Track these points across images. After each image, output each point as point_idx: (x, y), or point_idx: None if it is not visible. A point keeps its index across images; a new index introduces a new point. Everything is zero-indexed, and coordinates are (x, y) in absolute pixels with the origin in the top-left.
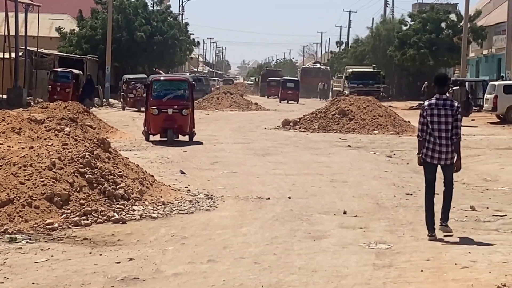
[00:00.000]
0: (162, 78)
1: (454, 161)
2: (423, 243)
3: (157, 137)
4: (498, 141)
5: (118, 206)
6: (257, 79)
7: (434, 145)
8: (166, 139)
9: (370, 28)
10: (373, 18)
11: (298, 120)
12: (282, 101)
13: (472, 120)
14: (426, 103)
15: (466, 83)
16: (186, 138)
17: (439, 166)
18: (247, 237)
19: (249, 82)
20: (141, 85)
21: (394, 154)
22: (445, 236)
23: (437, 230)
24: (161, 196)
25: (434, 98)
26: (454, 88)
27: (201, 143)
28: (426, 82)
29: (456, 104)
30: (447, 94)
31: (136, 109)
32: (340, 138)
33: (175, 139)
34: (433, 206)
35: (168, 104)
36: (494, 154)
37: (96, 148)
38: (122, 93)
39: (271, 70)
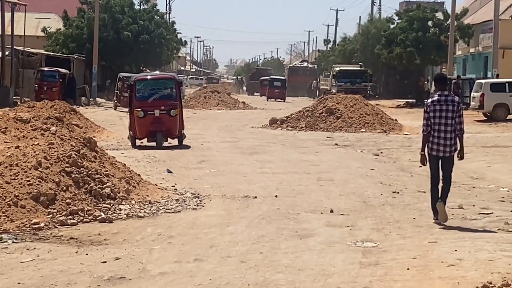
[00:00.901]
0: (146, 77)
1: (454, 154)
2: (410, 241)
3: (144, 142)
4: (485, 139)
5: (104, 205)
6: (238, 77)
7: (435, 138)
8: (154, 143)
9: (359, 25)
10: (360, 17)
11: (286, 118)
12: (269, 99)
13: None
14: (429, 100)
15: (453, 81)
16: (175, 141)
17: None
18: (234, 236)
19: (227, 81)
20: None
21: (381, 153)
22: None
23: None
24: (147, 195)
25: (437, 95)
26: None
27: (189, 147)
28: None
29: (457, 100)
30: (432, 90)
31: (127, 109)
32: (327, 137)
33: (164, 143)
34: (437, 192)
35: (155, 105)
36: (481, 152)
37: (82, 147)
38: (116, 91)
39: (261, 69)
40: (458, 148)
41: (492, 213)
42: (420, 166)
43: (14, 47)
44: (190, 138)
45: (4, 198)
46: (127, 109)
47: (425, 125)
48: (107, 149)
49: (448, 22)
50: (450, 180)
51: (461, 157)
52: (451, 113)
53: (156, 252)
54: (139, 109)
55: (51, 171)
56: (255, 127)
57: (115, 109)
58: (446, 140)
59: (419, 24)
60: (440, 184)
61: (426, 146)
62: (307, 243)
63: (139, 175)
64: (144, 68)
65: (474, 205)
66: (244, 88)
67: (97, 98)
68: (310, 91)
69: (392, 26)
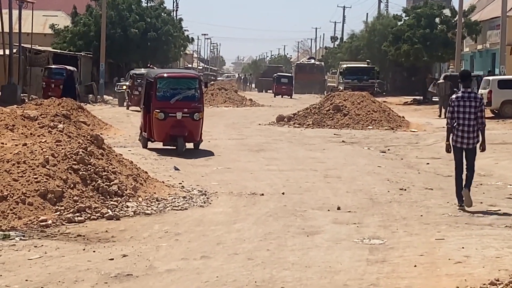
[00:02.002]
0: (166, 74)
1: (476, 146)
2: (417, 238)
3: (155, 144)
4: (493, 136)
5: (111, 202)
6: (241, 74)
7: (458, 131)
8: (171, 147)
9: (365, 22)
10: (367, 14)
11: (293, 115)
12: (276, 96)
13: None
14: (454, 96)
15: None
16: (190, 145)
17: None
18: (241, 233)
19: (220, 78)
20: None
21: (388, 150)
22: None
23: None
24: (154, 193)
25: (460, 91)
26: (439, 82)
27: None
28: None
29: (479, 97)
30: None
31: (140, 109)
32: (334, 134)
33: (185, 148)
34: (461, 181)
35: (177, 106)
36: (489, 149)
37: (89, 145)
38: (127, 90)
39: (273, 66)
40: (480, 141)
41: (500, 210)
42: (449, 151)
43: (22, 44)
44: None
45: (12, 195)
46: (138, 108)
47: (449, 118)
48: (114, 146)
49: (455, 19)
50: (473, 168)
51: (483, 149)
52: (474, 108)
53: (163, 249)
54: (159, 110)
55: (59, 168)
56: (262, 125)
57: (127, 109)
58: (469, 133)
59: (426, 21)
60: (464, 173)
61: (451, 139)
62: (314, 240)
63: (146, 172)
64: (151, 66)
65: (481, 202)
66: (251, 85)
67: (104, 96)
68: (322, 88)
69: (399, 23)
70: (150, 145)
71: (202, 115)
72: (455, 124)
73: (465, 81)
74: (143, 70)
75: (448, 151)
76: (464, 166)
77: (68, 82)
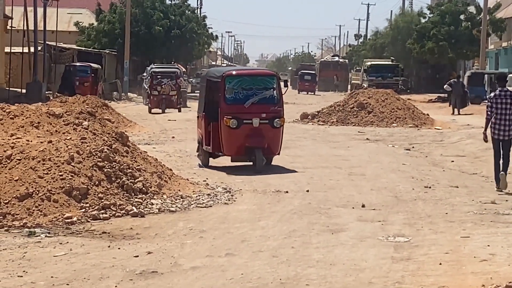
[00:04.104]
0: (235, 72)
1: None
2: (442, 236)
3: (218, 162)
4: None
5: (136, 200)
6: None
7: (496, 124)
8: (243, 163)
9: (388, 20)
10: (391, 11)
11: (317, 113)
12: (300, 92)
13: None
14: (492, 94)
15: (486, 76)
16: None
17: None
18: (265, 231)
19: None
20: (168, 80)
21: (413, 147)
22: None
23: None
24: (179, 190)
25: (498, 90)
26: (451, 81)
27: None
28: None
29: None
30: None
31: (160, 111)
32: (358, 131)
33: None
34: (499, 166)
35: (253, 111)
36: None
37: (114, 142)
38: (146, 90)
39: (306, 64)
40: None
41: None
42: (486, 141)
43: (46, 42)
44: None
45: (37, 192)
46: (159, 110)
47: (489, 111)
48: (138, 143)
49: (480, 16)
50: (509, 157)
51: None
52: (509, 105)
53: (187, 246)
54: (231, 117)
55: (84, 165)
56: (286, 122)
57: (149, 112)
58: (505, 127)
59: (451, 18)
60: (501, 161)
61: (490, 131)
62: (338, 238)
63: (170, 169)
64: (175, 63)
65: (507, 200)
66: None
67: (128, 93)
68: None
69: (423, 20)
70: (212, 162)
71: (283, 121)
72: (493, 118)
73: (501, 82)
74: (153, 67)
75: (485, 140)
76: (501, 155)
77: (67, 76)
